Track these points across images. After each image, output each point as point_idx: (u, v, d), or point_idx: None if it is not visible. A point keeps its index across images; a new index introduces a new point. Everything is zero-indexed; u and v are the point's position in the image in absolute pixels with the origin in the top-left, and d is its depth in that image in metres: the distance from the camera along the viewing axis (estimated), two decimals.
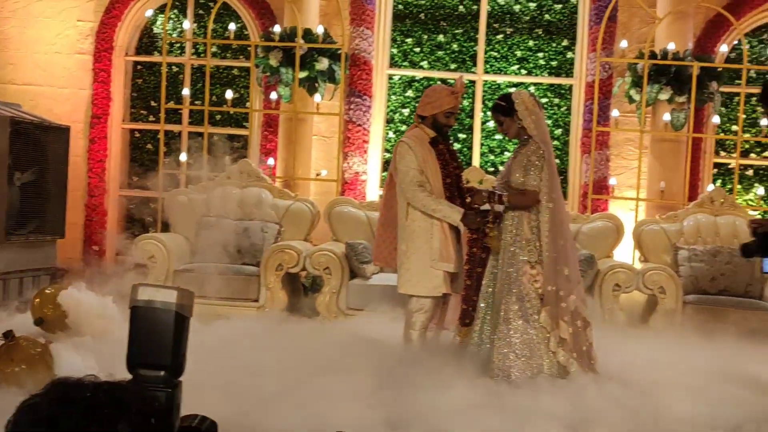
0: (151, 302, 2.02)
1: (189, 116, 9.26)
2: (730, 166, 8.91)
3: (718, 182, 8.90)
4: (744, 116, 8.68)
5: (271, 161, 8.77)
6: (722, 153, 9.03)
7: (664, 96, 8.39)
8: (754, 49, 9.00)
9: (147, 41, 9.51)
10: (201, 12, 9.41)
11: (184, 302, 2.04)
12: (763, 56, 8.87)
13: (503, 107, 5.49)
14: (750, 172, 9.04)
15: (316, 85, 8.65)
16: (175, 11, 9.38)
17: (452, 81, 7.98)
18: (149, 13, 9.28)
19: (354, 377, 4.52)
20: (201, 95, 9.02)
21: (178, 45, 9.43)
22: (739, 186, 8.74)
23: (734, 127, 8.82)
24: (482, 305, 5.47)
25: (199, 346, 2.97)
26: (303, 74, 8.57)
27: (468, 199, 5.57)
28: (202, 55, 9.28)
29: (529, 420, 4.32)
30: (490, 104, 9.18)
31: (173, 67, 9.40)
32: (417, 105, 5.89)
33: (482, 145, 9.17)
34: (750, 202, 8.85)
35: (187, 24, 9.12)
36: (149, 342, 2.00)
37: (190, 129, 9.21)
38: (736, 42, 8.85)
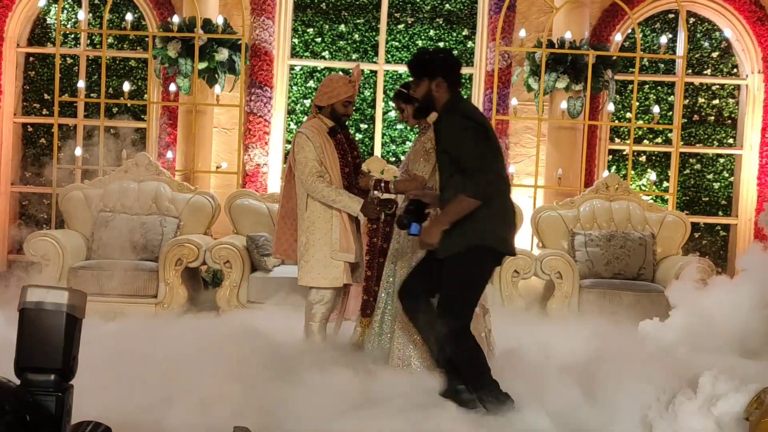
0: (41, 304, 1.95)
1: (85, 109, 9.05)
2: (624, 153, 9.14)
3: (613, 168, 9.13)
4: (637, 104, 8.91)
5: (170, 154, 8.64)
6: (617, 140, 9.26)
7: (561, 84, 8.55)
8: (646, 38, 9.24)
9: (40, 32, 9.23)
10: (96, 2, 9.18)
11: (75, 303, 1.98)
12: (656, 45, 9.11)
13: (405, 94, 5.53)
14: (643, 158, 9.31)
15: (216, 76, 8.54)
16: (70, 1, 9.13)
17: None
18: (42, 2, 9.01)
19: (246, 374, 4.49)
20: (97, 87, 8.81)
21: (73, 36, 9.18)
22: (632, 172, 8.98)
23: (628, 115, 9.05)
24: (383, 295, 5.49)
25: (89, 347, 2.91)
26: (202, 65, 8.45)
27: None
28: (97, 46, 9.07)
29: (429, 415, 4.34)
30: (391, 94, 9.22)
31: (68, 58, 9.16)
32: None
33: (384, 134, 9.20)
34: (643, 188, 9.10)
35: (82, 14, 8.90)
36: (39, 345, 1.94)
37: (86, 122, 8.99)
38: (630, 31, 9.07)
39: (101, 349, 4.58)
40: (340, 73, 8.70)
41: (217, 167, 8.81)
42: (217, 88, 8.54)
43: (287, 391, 4.37)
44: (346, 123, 5.75)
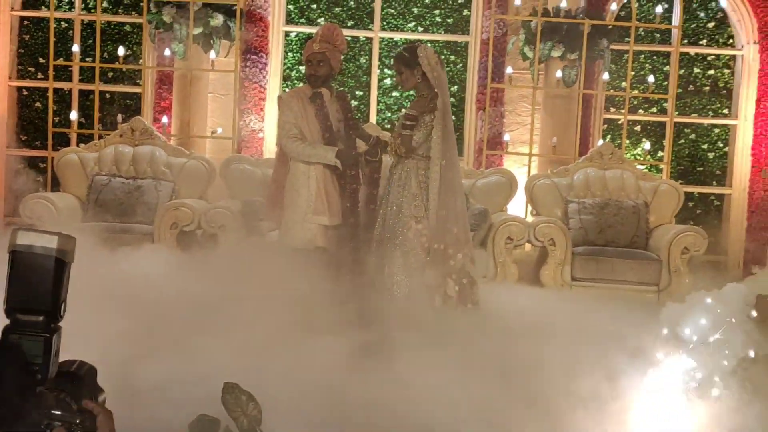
0: (31, 247, 1.99)
1: (80, 73, 9.02)
2: (619, 122, 9.16)
3: (608, 137, 9.15)
4: (632, 73, 8.90)
5: (165, 119, 8.63)
6: (612, 109, 9.26)
7: (556, 53, 8.54)
8: (642, 8, 9.22)
9: None
10: None
11: (65, 247, 2.02)
12: (651, 14, 9.09)
13: (406, 58, 5.53)
14: (638, 128, 9.32)
15: (211, 41, 8.52)
16: None
17: (349, 37, 7.97)
18: None
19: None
20: (92, 52, 8.79)
21: (67, 0, 9.14)
22: (627, 141, 9.00)
23: (623, 84, 9.05)
24: (373, 259, 5.54)
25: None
26: (197, 30, 8.42)
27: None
28: (92, 10, 9.02)
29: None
30: (387, 61, 9.21)
31: (62, 22, 9.12)
32: None
33: (379, 102, 9.19)
34: (637, 156, 9.12)
35: None
36: (28, 287, 1.98)
37: (81, 86, 8.97)
38: (625, 0, 9.05)
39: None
40: None
41: (213, 132, 8.81)
42: (212, 54, 8.52)
43: (278, 347, 4.39)
44: (331, 85, 5.74)
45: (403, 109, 8.96)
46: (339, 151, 5.42)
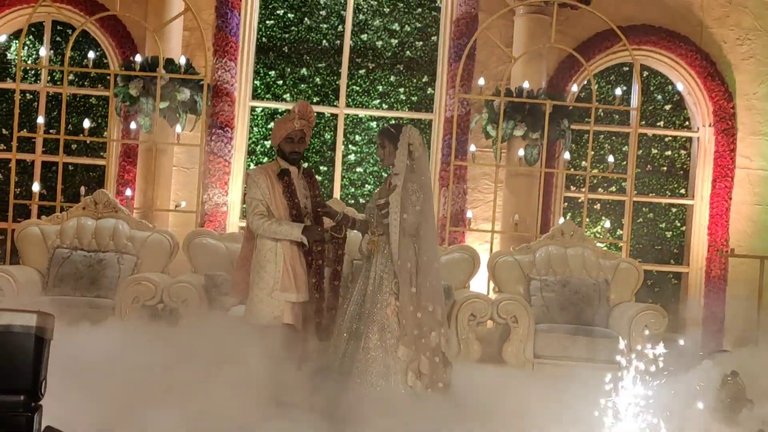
0: (10, 326, 1.97)
1: (44, 145, 9.00)
2: (579, 200, 9.31)
3: (569, 215, 9.29)
4: (592, 153, 9.09)
5: (128, 192, 8.61)
6: (572, 187, 9.43)
7: (518, 132, 8.72)
8: (602, 90, 9.47)
9: (0, 67, 9.19)
10: (59, 39, 9.19)
11: (44, 325, 2.00)
12: (610, 96, 9.33)
13: (391, 134, 5.56)
14: (597, 206, 9.49)
15: (177, 115, 8.56)
16: (31, 37, 9.13)
17: (315, 113, 8.05)
18: (3, 38, 8.99)
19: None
20: (56, 124, 8.78)
21: (33, 72, 9.16)
22: (587, 219, 9.14)
23: (583, 163, 9.23)
24: (345, 335, 5.50)
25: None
26: (164, 104, 8.47)
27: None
28: (58, 82, 9.05)
29: None
30: (351, 137, 9.31)
31: (27, 94, 9.12)
32: None
33: (343, 177, 9.27)
34: (597, 235, 9.27)
35: (43, 51, 8.89)
36: (8, 366, 1.95)
37: (45, 158, 8.94)
38: (585, 82, 9.29)
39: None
40: None
41: (176, 206, 8.80)
42: (177, 127, 8.55)
43: (247, 426, 4.35)
44: (300, 162, 5.78)
45: (369, 196, 9.04)
46: (305, 228, 5.45)
